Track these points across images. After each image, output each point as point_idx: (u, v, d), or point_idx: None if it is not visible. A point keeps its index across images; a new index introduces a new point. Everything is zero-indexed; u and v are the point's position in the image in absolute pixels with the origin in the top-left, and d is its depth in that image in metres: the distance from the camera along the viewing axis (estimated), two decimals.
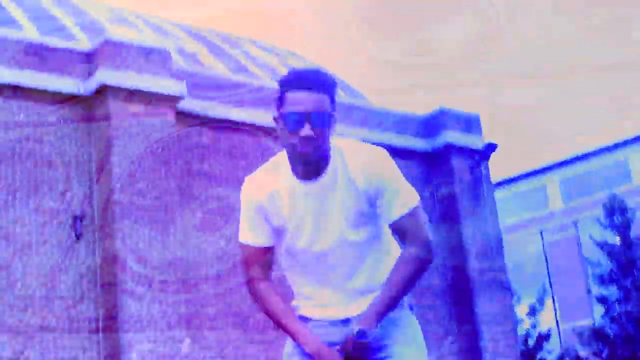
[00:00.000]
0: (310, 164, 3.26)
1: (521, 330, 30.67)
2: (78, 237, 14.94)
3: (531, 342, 30.94)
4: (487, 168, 21.30)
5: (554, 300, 40.10)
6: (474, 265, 19.97)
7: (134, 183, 15.13)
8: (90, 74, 15.71)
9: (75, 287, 14.73)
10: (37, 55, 15.43)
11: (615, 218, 30.90)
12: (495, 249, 20.51)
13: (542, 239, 42.19)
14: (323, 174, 3.30)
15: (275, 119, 3.31)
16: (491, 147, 21.41)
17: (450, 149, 20.68)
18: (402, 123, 20.80)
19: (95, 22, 19.60)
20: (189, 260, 15.58)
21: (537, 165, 43.44)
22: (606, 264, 30.63)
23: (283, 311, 3.39)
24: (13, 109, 14.98)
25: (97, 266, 14.97)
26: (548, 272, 41.20)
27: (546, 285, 35.74)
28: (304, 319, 3.47)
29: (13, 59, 15.13)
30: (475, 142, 21.26)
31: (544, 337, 31.06)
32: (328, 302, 3.43)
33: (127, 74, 15.62)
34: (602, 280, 30.62)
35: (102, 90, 15.41)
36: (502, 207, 41.90)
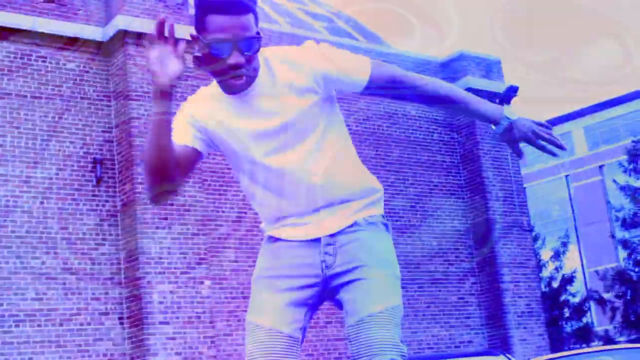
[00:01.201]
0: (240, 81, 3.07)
1: (546, 273, 30.86)
2: (98, 180, 15.15)
3: (555, 284, 31.08)
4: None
5: (579, 244, 40.19)
6: (494, 207, 20.01)
7: None
8: (108, 19, 15.83)
9: (96, 230, 14.97)
10: (56, 2, 15.55)
11: (639, 162, 30.88)
12: (516, 191, 20.52)
13: (568, 184, 42.18)
14: (253, 85, 3.10)
15: (193, 37, 3.10)
16: (512, 90, 21.28)
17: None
18: (421, 66, 20.73)
19: None
20: (207, 202, 15.77)
21: (563, 112, 43.41)
22: (629, 208, 30.67)
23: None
24: (32, 55, 15.15)
25: (118, 209, 15.18)
26: (574, 217, 41.24)
27: (570, 229, 35.84)
28: (273, 239, 3.27)
29: (31, 6, 15.27)
30: (496, 85, 21.18)
31: (567, 280, 31.21)
32: (295, 218, 3.21)
33: (145, 20, 15.70)
34: (625, 224, 30.65)
35: (120, 36, 15.52)
36: (528, 154, 42.03)
